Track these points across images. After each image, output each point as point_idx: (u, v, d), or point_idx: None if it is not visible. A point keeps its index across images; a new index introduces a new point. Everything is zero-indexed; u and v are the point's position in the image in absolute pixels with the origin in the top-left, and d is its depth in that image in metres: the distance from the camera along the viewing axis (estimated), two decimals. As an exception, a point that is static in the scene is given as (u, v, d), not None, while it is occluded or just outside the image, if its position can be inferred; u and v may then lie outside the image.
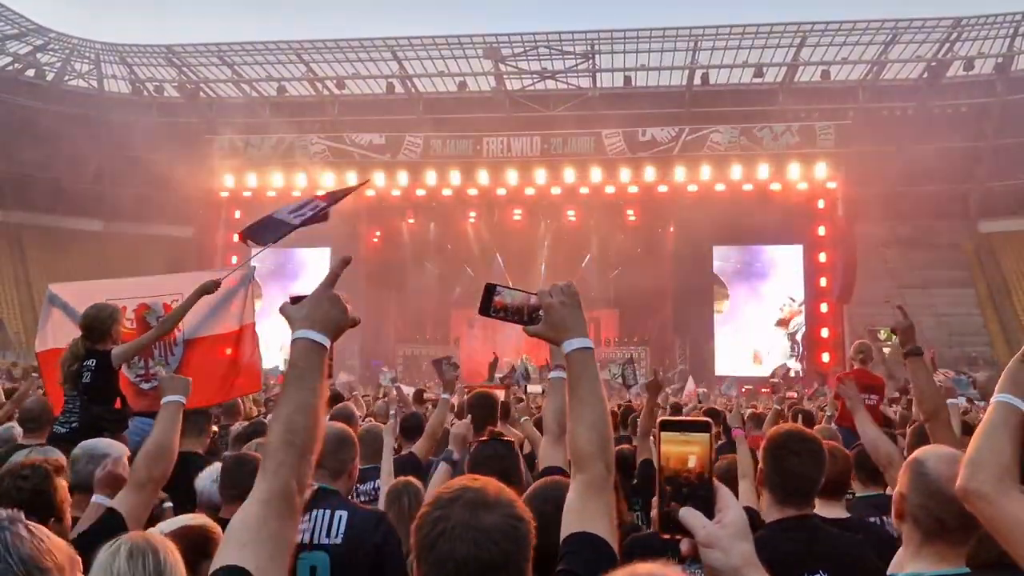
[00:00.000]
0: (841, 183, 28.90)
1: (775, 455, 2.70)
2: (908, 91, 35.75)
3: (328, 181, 29.47)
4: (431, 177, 30.37)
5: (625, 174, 29.59)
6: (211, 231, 31.03)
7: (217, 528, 2.49)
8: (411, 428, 5.86)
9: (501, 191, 30.56)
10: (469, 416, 4.50)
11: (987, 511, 1.78)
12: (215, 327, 6.21)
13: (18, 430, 5.18)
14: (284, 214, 5.75)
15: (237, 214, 30.17)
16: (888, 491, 3.42)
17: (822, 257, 29.29)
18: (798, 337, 30.29)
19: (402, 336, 33.78)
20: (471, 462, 3.16)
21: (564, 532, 1.66)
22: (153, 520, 3.01)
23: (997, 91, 34.59)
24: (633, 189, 29.92)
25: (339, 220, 31.54)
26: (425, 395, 10.43)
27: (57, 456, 3.28)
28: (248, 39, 35.80)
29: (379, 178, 30.33)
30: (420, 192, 30.92)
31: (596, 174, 29.63)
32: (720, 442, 6.34)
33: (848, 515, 3.27)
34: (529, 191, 30.33)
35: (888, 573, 2.21)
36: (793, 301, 30.49)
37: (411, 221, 33.21)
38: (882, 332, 30.05)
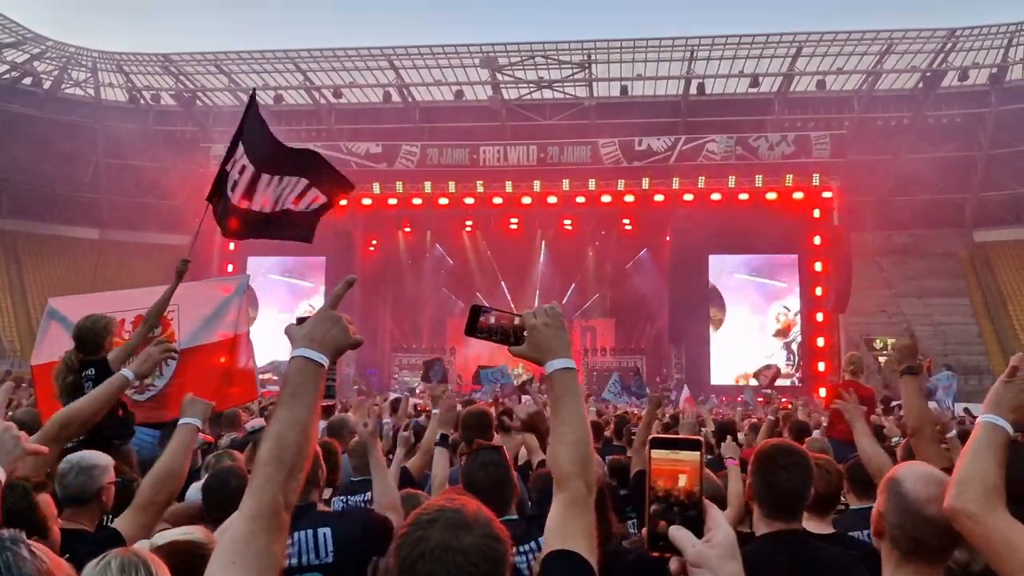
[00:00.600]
0: (836, 192, 29.03)
1: (763, 469, 2.69)
2: (903, 101, 35.91)
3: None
4: (427, 186, 30.42)
5: (621, 183, 29.69)
6: (207, 240, 30.99)
7: (206, 544, 2.47)
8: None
9: (497, 200, 30.61)
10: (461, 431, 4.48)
11: (974, 530, 1.80)
12: (210, 336, 6.21)
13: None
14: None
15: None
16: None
17: (818, 266, 29.38)
18: (794, 346, 30.35)
19: (397, 345, 33.76)
20: (465, 472, 3.16)
21: (545, 550, 1.68)
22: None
23: (991, 101, 34.74)
24: (629, 198, 30.02)
25: (335, 229, 31.69)
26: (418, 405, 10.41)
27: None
28: (245, 48, 35.78)
29: (375, 187, 30.40)
30: (416, 201, 30.95)
31: (592, 183, 29.72)
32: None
33: (834, 530, 3.27)
34: (525, 200, 30.41)
35: None
36: (788, 310, 30.55)
37: (407, 230, 33.24)
38: (878, 341, 30.11)
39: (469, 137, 32.92)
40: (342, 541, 3.03)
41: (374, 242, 33.40)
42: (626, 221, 31.44)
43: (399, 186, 30.66)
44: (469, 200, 30.71)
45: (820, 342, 29.30)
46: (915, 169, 33.70)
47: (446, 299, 33.30)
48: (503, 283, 33.72)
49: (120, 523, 2.85)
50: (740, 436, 7.34)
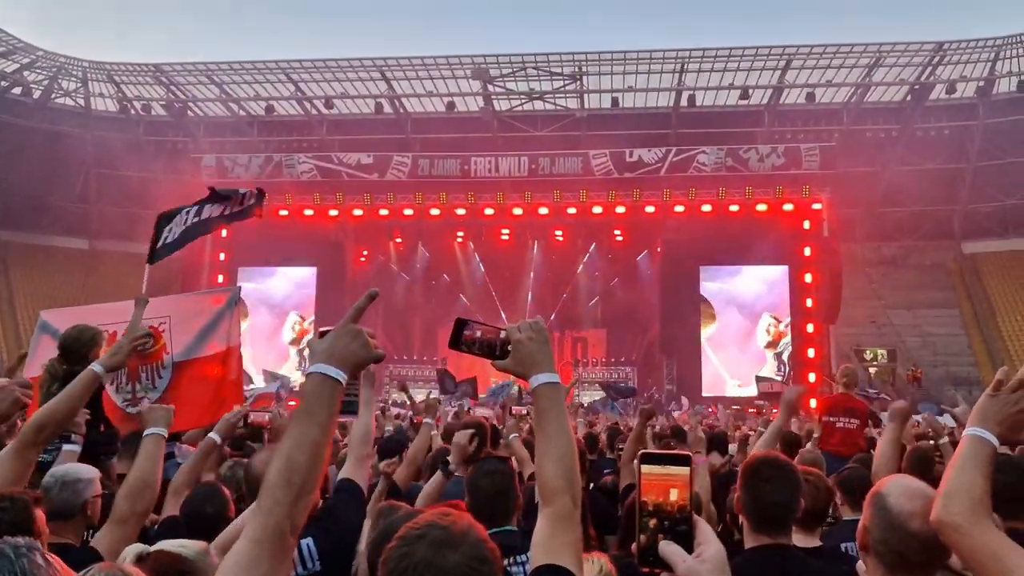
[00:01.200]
0: (826, 204, 29.13)
1: (749, 482, 2.67)
2: (892, 114, 36.17)
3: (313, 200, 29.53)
4: (418, 197, 30.42)
5: (612, 195, 29.76)
6: (197, 251, 30.90)
7: (193, 560, 2.44)
8: (387, 451, 5.76)
9: (488, 211, 30.61)
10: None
11: (961, 542, 1.81)
12: (203, 349, 6.18)
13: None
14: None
15: (223, 233, 30.05)
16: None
17: (808, 277, 29.42)
18: (784, 357, 30.39)
19: (388, 356, 33.63)
20: (470, 480, 3.16)
21: (531, 564, 1.67)
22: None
23: (979, 114, 35.02)
24: (620, 210, 30.07)
25: (327, 239, 31.66)
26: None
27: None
28: (236, 58, 35.78)
29: (366, 198, 30.40)
30: (407, 212, 30.92)
31: (583, 195, 29.78)
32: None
33: (820, 543, 3.25)
34: (516, 211, 30.42)
35: None
36: (778, 322, 30.59)
37: (398, 241, 33.23)
38: (868, 352, 30.22)
39: (460, 148, 32.97)
40: (327, 548, 3.00)
41: (365, 252, 33.37)
42: (617, 232, 31.51)
43: (390, 197, 30.63)
44: (460, 211, 30.68)
45: (810, 353, 29.32)
46: (904, 181, 33.94)
47: (437, 310, 33.27)
48: (494, 294, 33.72)
49: (99, 538, 2.81)
50: (731, 447, 7.34)
